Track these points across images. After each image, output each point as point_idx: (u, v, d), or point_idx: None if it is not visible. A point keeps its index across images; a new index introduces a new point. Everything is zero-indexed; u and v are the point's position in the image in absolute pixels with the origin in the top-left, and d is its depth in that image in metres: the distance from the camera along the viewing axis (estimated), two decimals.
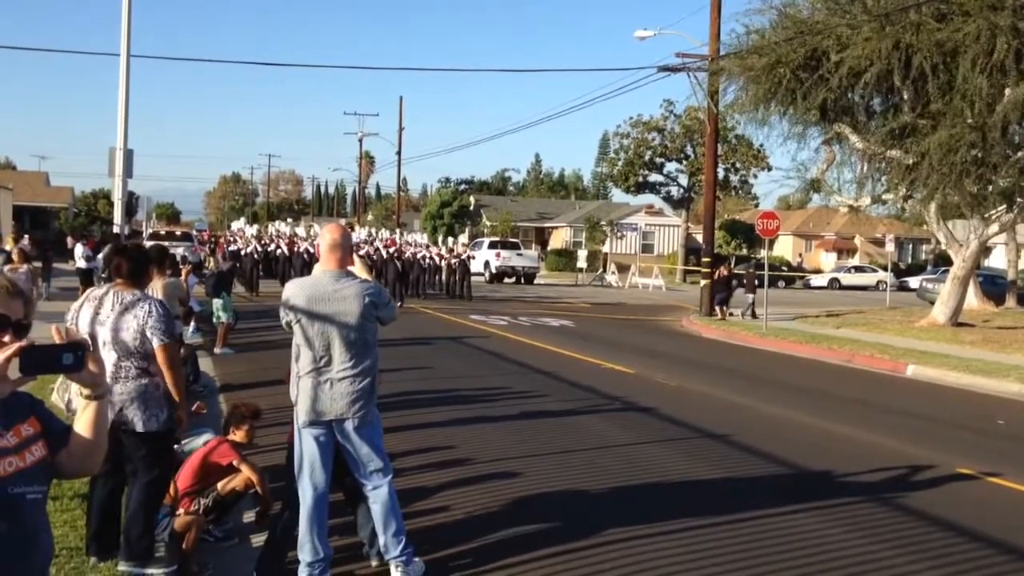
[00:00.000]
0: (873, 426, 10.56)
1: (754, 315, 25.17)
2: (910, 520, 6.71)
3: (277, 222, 50.23)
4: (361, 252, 29.73)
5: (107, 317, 4.85)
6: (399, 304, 24.23)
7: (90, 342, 2.39)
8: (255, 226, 42.74)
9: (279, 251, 33.28)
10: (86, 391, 2.45)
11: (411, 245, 32.32)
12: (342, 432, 5.00)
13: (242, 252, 30.57)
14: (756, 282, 26.15)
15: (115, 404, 4.78)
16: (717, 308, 24.96)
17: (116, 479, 5.03)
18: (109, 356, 4.81)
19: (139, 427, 4.82)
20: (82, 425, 2.47)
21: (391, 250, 28.85)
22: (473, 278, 32.37)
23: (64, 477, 2.62)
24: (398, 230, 43.83)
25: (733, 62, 23.17)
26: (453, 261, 31.23)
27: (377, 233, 39.72)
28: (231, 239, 36.87)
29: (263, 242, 33.20)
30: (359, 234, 37.72)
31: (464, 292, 30.37)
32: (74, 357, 2.30)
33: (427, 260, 31.39)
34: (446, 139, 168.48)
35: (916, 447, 9.34)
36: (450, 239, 37.30)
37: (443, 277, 31.90)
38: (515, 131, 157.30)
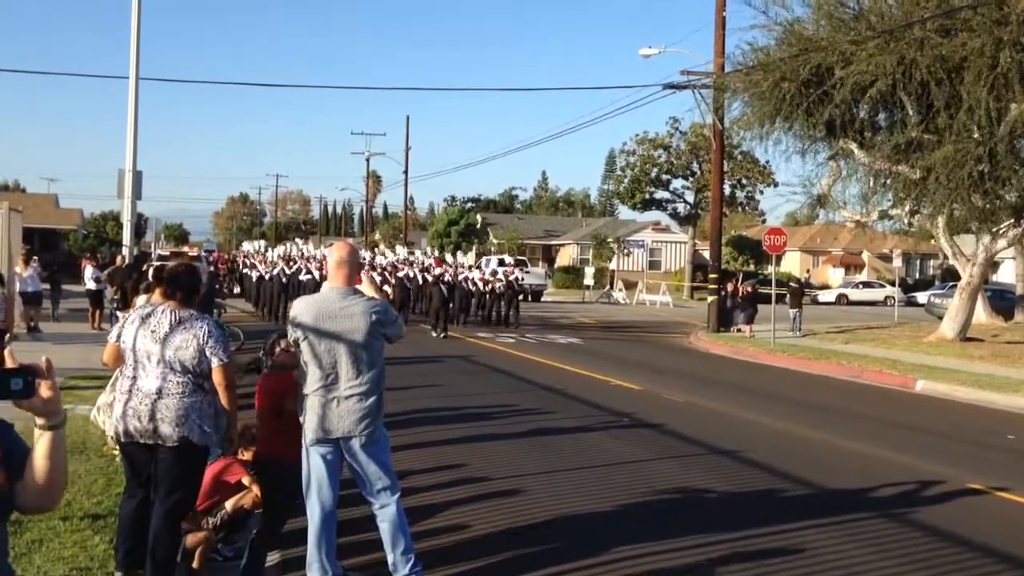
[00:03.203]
0: (882, 441, 10.52)
1: (798, 330, 25.06)
2: (920, 535, 6.68)
3: (300, 241, 42.86)
4: (400, 274, 26.82)
5: (164, 334, 4.88)
6: (443, 335, 22.30)
7: (44, 368, 2.23)
8: (282, 246, 36.64)
9: (308, 276, 27.05)
10: (40, 420, 2.26)
11: (451, 266, 28.43)
12: (349, 450, 5.01)
13: (265, 276, 27.31)
14: (801, 298, 26.40)
15: (163, 419, 4.79)
16: (746, 327, 24.71)
17: (143, 496, 5.02)
18: (161, 372, 4.85)
19: (185, 443, 4.80)
20: (36, 457, 2.28)
21: (437, 271, 25.56)
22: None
23: (22, 511, 2.42)
24: (427, 248, 40.42)
25: (738, 79, 23.26)
26: (499, 285, 27.44)
27: (420, 253, 34.37)
28: (248, 261, 33.09)
29: (290, 265, 27.86)
30: (397, 254, 33.23)
31: (512, 319, 26.71)
32: (24, 382, 2.17)
33: (470, 283, 27.47)
34: (453, 158, 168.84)
35: (926, 462, 9.31)
36: (495, 259, 34.50)
37: (487, 302, 27.75)
38: (521, 149, 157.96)
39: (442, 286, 24.04)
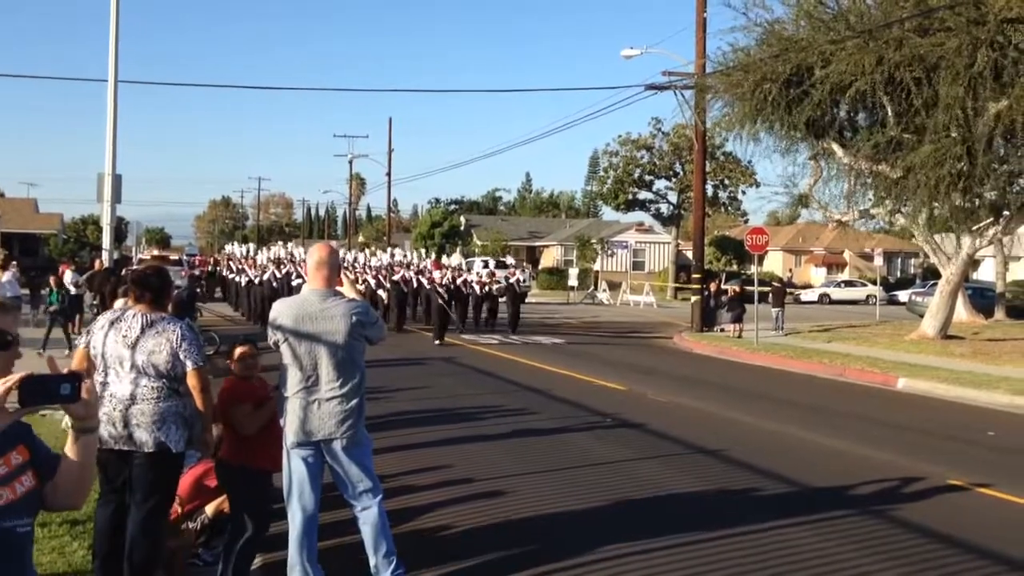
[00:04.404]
0: (865, 439, 10.56)
1: (781, 328, 25.25)
2: (902, 532, 6.71)
3: (292, 244, 40.55)
4: (396, 277, 25.39)
5: (135, 339, 4.78)
6: (438, 343, 20.91)
7: (84, 372, 2.32)
8: (272, 248, 34.78)
9: (299, 280, 23.63)
10: (79, 423, 2.35)
11: (448, 268, 26.81)
12: (331, 452, 4.97)
13: (254, 280, 26.35)
14: (784, 297, 26.77)
15: (138, 425, 4.70)
16: (730, 326, 24.68)
17: (118, 502, 4.95)
18: (135, 377, 4.76)
19: (161, 448, 4.72)
20: (72, 459, 2.36)
21: (437, 274, 24.34)
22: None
23: (49, 510, 2.49)
24: (422, 251, 37.60)
25: (719, 79, 23.33)
26: (495, 287, 26.19)
27: (415, 255, 32.46)
28: (236, 265, 31.53)
29: (281, 268, 26.44)
30: (385, 256, 31.54)
31: (512, 323, 25.26)
32: (72, 387, 2.25)
33: (468, 286, 25.86)
34: (436, 159, 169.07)
35: (907, 459, 9.35)
36: (490, 261, 32.10)
37: (486, 306, 26.34)
38: (504, 151, 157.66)
39: (440, 290, 22.80)
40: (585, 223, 71.57)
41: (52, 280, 18.21)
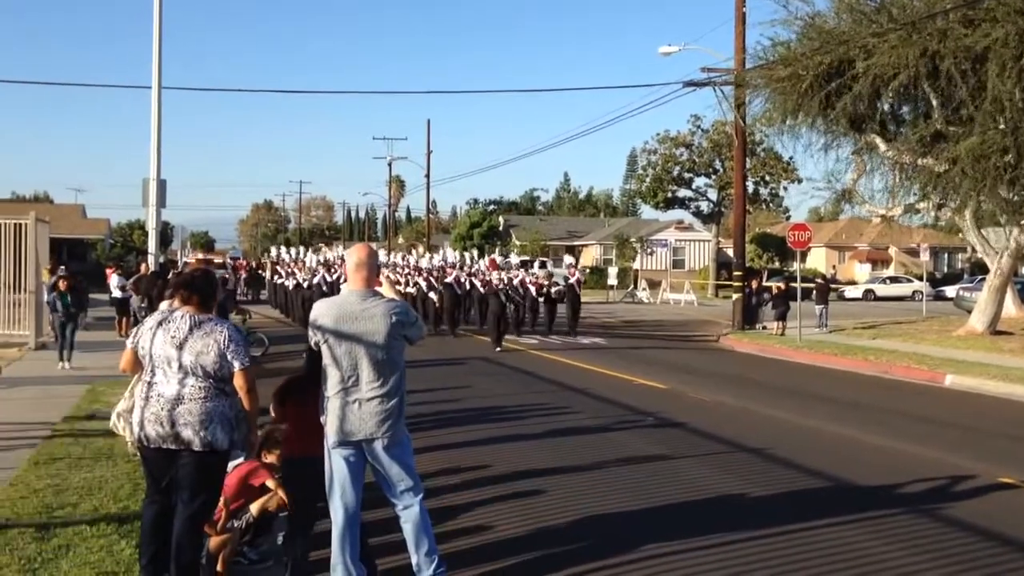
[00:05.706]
0: (912, 436, 10.39)
1: (825, 326, 24.99)
2: (952, 531, 6.58)
3: (334, 245, 40.77)
4: (448, 279, 24.57)
5: (183, 339, 4.86)
6: (498, 349, 19.79)
7: None
8: (323, 250, 33.78)
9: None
10: None
11: (505, 269, 25.69)
12: (372, 452, 5.00)
13: (302, 284, 26.50)
14: (827, 294, 26.52)
15: (185, 424, 4.76)
16: (773, 324, 24.49)
17: (163, 501, 5.02)
18: (182, 377, 4.82)
19: (207, 447, 4.79)
20: None
21: (494, 277, 23.56)
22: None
23: None
24: (450, 250, 36.28)
25: (759, 74, 23.11)
26: (555, 290, 25.28)
27: (469, 255, 31.17)
28: (285, 269, 31.00)
29: (332, 271, 26.25)
30: (439, 256, 30.49)
31: (571, 326, 24.27)
32: None
33: (523, 287, 24.55)
34: (474, 160, 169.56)
35: (956, 457, 9.18)
36: (548, 262, 31.44)
37: (543, 309, 25.45)
38: (542, 150, 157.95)
39: (500, 293, 21.56)
40: (624, 222, 71.27)
41: (63, 283, 15.87)
